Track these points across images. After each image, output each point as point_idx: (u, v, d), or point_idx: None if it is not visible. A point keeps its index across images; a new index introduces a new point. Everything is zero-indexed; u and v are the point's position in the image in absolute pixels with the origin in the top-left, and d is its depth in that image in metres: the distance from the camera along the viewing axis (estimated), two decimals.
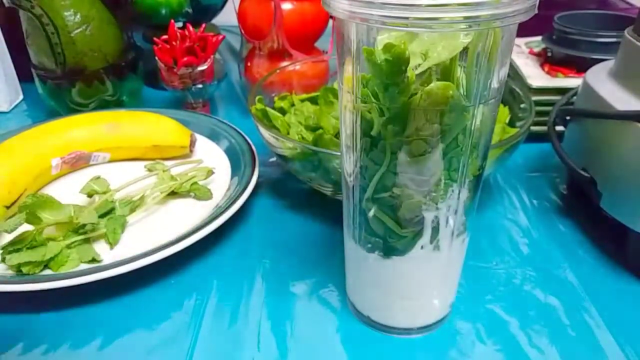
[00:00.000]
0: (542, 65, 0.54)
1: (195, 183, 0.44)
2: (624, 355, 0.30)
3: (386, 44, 0.21)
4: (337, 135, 0.41)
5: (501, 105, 0.44)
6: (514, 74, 0.54)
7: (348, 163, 0.27)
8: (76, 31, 0.53)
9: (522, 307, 0.34)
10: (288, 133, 0.44)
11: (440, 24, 0.19)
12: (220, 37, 0.56)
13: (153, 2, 0.61)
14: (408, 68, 0.21)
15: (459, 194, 0.25)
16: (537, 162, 0.51)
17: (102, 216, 0.40)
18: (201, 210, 0.42)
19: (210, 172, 0.45)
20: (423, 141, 0.23)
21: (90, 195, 0.41)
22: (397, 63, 0.21)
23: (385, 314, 0.32)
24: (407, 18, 0.19)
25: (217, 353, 0.31)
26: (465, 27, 0.20)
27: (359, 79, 0.23)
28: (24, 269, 0.35)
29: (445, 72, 0.22)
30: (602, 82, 0.38)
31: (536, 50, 0.57)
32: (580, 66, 0.49)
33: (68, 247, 0.37)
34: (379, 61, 0.21)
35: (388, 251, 0.28)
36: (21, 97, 0.67)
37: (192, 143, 0.50)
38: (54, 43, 0.53)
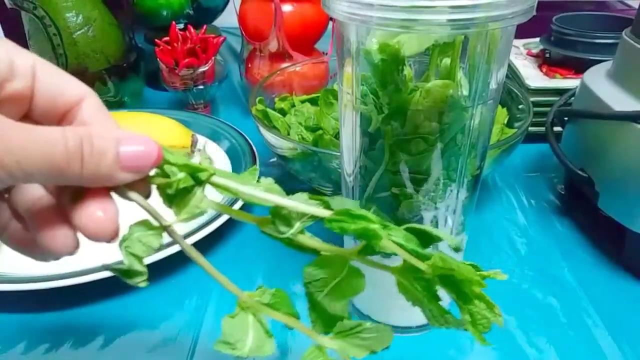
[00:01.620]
0: (540, 67, 0.54)
1: None
2: (622, 353, 0.31)
3: (381, 44, 0.21)
4: (336, 135, 0.42)
5: (499, 106, 0.44)
6: (513, 75, 0.55)
7: (348, 163, 0.27)
8: (78, 32, 0.53)
9: (521, 306, 0.34)
10: (288, 134, 0.45)
11: (441, 25, 0.20)
12: (221, 38, 0.56)
13: (154, 3, 0.62)
14: (405, 66, 0.22)
15: (457, 193, 0.26)
16: (535, 162, 0.51)
17: None
18: None
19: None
20: (422, 139, 0.23)
21: None
22: (393, 62, 0.21)
23: (384, 312, 0.32)
24: (406, 20, 0.20)
25: (218, 352, 0.31)
26: (465, 28, 0.20)
27: (359, 80, 0.23)
28: None
29: (445, 72, 0.23)
30: (600, 83, 0.39)
31: (534, 51, 0.57)
32: (578, 67, 0.50)
33: None
34: (375, 61, 0.22)
35: None
36: None
37: (194, 143, 0.50)
38: (56, 44, 0.53)
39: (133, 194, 0.18)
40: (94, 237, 0.17)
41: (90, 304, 0.35)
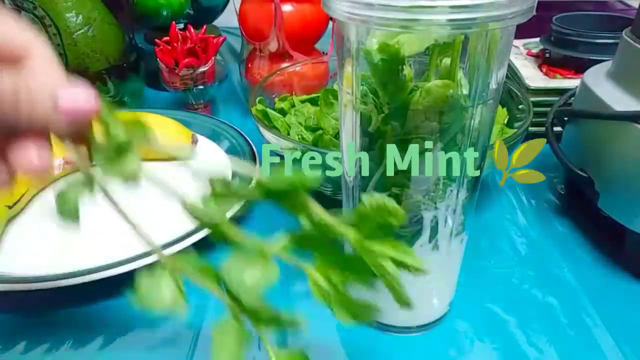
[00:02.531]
0: (540, 67, 0.54)
1: None
2: (622, 354, 0.31)
3: (381, 43, 0.21)
4: (336, 135, 0.42)
5: (499, 106, 0.44)
6: (512, 75, 0.55)
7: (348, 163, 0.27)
8: (78, 33, 0.53)
9: (521, 306, 0.34)
10: (288, 134, 0.45)
11: (441, 25, 0.20)
12: (221, 38, 0.56)
13: (154, 3, 0.62)
14: (405, 66, 0.22)
15: (457, 193, 0.26)
16: (535, 162, 0.51)
17: None
18: None
19: None
20: (422, 139, 0.23)
21: None
22: (393, 62, 0.21)
23: (384, 312, 0.32)
24: (406, 20, 0.20)
25: None
26: (465, 28, 0.20)
27: (359, 80, 0.23)
28: None
29: (445, 72, 0.23)
30: (600, 83, 0.39)
31: (534, 51, 0.57)
32: (578, 67, 0.50)
33: None
34: (375, 61, 0.22)
35: None
36: None
37: (194, 143, 0.50)
38: (56, 44, 0.53)
39: (71, 146, 0.18)
40: (27, 173, 0.18)
41: (90, 304, 0.35)
